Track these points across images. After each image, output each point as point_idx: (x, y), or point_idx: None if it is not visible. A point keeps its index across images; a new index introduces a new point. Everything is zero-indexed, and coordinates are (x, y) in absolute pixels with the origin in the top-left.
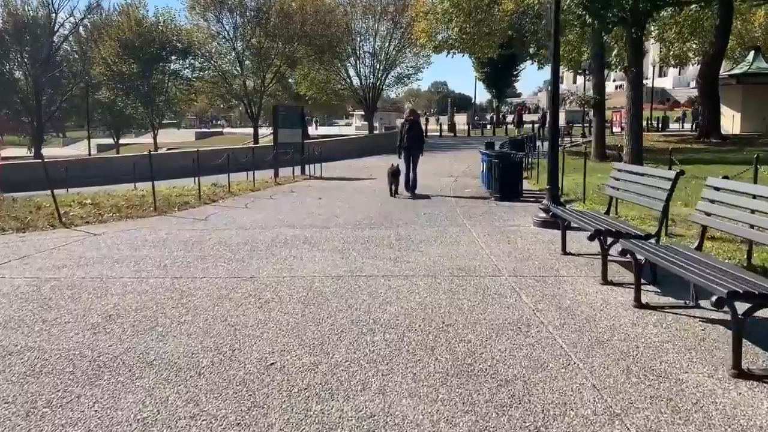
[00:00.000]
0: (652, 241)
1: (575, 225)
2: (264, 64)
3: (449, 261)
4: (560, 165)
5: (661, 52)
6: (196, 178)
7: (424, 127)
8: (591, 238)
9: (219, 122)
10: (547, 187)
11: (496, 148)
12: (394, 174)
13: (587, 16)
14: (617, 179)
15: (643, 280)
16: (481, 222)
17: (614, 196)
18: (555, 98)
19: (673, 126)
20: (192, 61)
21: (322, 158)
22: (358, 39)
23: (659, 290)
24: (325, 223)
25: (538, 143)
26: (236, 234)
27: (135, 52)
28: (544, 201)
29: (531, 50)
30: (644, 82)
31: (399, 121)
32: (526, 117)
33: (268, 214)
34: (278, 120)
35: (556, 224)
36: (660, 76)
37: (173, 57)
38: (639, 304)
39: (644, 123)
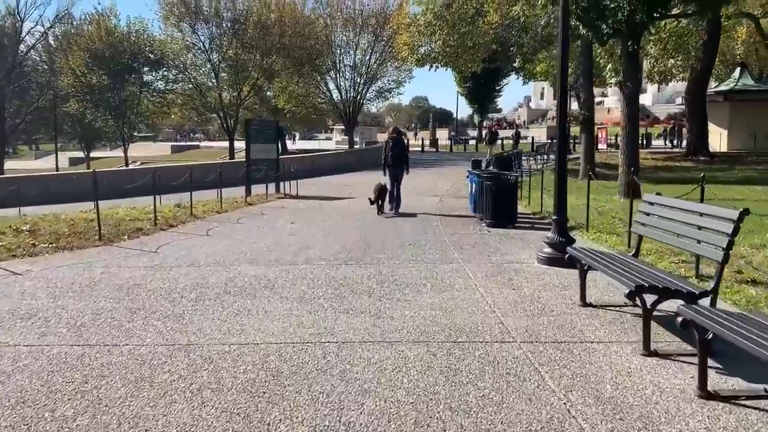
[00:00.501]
0: (707, 300)
1: (597, 270)
2: (240, 76)
3: (444, 316)
4: (544, 184)
5: (644, 68)
6: (160, 198)
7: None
8: (630, 297)
9: (197, 135)
10: (554, 217)
11: (483, 166)
12: (380, 191)
13: (581, 28)
14: (648, 214)
15: (688, 346)
16: (475, 256)
17: (643, 235)
18: (563, 113)
19: (656, 143)
20: (165, 72)
21: (299, 175)
22: (339, 52)
23: (720, 365)
24: (294, 256)
25: (524, 160)
26: (185, 274)
27: (105, 63)
28: (550, 234)
29: (516, 64)
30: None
31: (381, 136)
32: (503, 133)
33: (230, 245)
34: (251, 135)
35: (566, 262)
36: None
37: (146, 68)
38: (705, 393)
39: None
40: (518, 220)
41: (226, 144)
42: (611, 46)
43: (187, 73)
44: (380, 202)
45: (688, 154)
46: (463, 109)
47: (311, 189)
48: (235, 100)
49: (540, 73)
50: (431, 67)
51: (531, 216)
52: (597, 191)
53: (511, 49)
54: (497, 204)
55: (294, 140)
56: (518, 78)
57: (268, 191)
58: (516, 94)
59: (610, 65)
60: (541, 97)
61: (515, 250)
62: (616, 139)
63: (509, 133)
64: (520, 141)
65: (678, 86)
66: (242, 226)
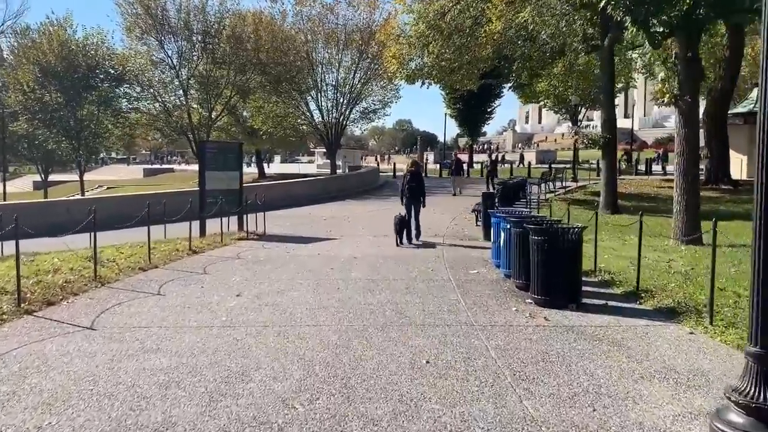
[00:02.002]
0: None
1: None
2: (212, 94)
3: None
4: (551, 214)
5: (653, 88)
6: (94, 237)
7: (392, 167)
8: None
9: (174, 158)
10: (753, 349)
11: (484, 196)
12: (401, 223)
13: (630, 25)
14: None
15: None
16: (566, 407)
17: None
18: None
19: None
20: (127, 89)
21: (272, 205)
22: (320, 70)
23: None
24: (201, 414)
25: (535, 188)
26: None
27: (58, 78)
28: (741, 386)
29: (512, 83)
30: (577, 127)
31: (366, 160)
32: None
33: (103, 368)
34: (205, 159)
35: None
36: (624, 117)
37: (105, 85)
38: None
39: (622, 165)
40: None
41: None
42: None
43: (152, 90)
44: (400, 235)
45: (708, 182)
46: (449, 132)
47: (283, 225)
48: (206, 120)
49: (541, 92)
50: (423, 83)
51: (586, 280)
52: (633, 231)
53: (516, 63)
54: (552, 271)
55: (269, 164)
56: (519, 96)
57: (228, 229)
58: (500, 118)
59: (662, 74)
60: (526, 121)
61: (626, 380)
62: (619, 164)
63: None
64: (499, 167)
65: (665, 110)
66: (159, 306)
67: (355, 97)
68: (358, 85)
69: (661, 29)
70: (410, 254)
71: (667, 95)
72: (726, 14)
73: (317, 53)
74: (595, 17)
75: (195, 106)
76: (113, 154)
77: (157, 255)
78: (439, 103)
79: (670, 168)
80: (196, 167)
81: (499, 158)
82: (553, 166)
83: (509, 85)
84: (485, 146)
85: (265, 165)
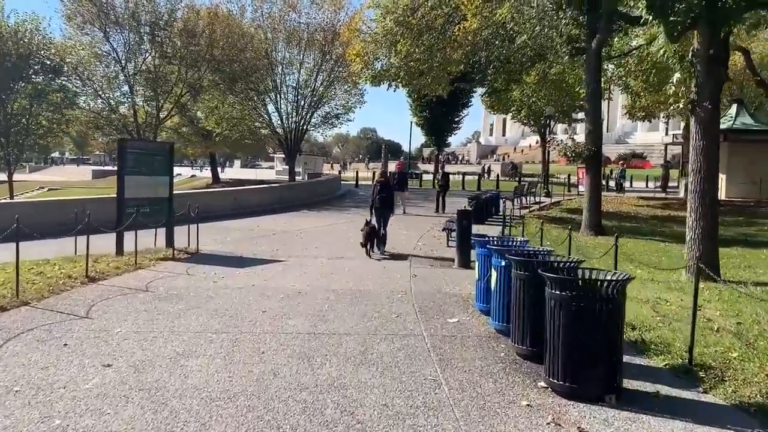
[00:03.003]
0: None
1: None
2: (160, 90)
3: None
4: (523, 233)
5: (622, 102)
6: None
7: (354, 175)
8: None
9: None
10: None
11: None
12: (370, 233)
13: (645, 13)
14: None
15: None
16: None
17: None
18: None
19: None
20: (64, 82)
21: (216, 215)
22: (280, 70)
23: None
24: None
25: (507, 203)
26: None
27: None
28: None
29: (495, 85)
30: (550, 139)
31: (327, 168)
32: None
33: None
34: (126, 162)
35: None
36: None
37: (39, 78)
38: None
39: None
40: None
41: None
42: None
43: (92, 84)
44: (369, 245)
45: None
46: (415, 142)
47: (224, 241)
48: (152, 120)
49: (514, 101)
50: (390, 85)
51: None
52: (629, 260)
53: (492, 65)
54: (582, 344)
55: (223, 169)
56: (492, 104)
57: (155, 245)
58: (465, 129)
59: (677, 75)
60: (491, 133)
61: None
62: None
63: (467, 168)
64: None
65: (627, 125)
66: None
67: (317, 101)
68: (321, 88)
69: (682, 19)
70: (370, 287)
71: (683, 100)
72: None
73: (277, 52)
74: (582, 17)
75: (141, 103)
76: (66, 154)
77: (39, 284)
78: (405, 112)
79: (627, 185)
80: None
81: (486, 169)
82: (524, 180)
83: (483, 90)
84: (448, 157)
85: (223, 170)
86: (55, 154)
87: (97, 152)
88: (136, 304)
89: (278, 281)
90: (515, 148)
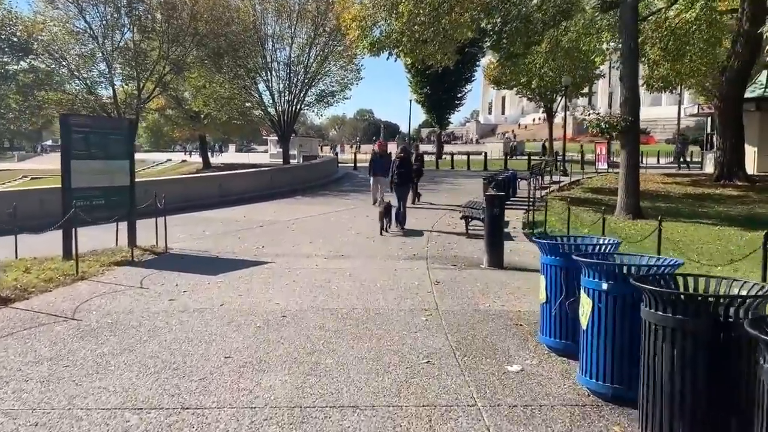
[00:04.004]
0: None
1: None
2: (141, 69)
3: None
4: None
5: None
6: None
7: (353, 157)
8: None
9: None
10: None
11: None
12: (387, 209)
13: None
14: None
15: None
16: None
17: None
18: None
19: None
20: (34, 62)
21: (200, 204)
22: (270, 45)
23: None
24: None
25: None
26: None
27: None
28: None
29: (512, 50)
30: (567, 113)
31: (325, 150)
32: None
33: None
34: (71, 143)
35: None
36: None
37: (6, 57)
38: None
39: (612, 157)
40: None
41: (140, 156)
42: None
43: (67, 64)
44: (385, 221)
45: (720, 178)
46: (414, 122)
47: (202, 236)
48: (131, 101)
49: (530, 69)
50: (390, 54)
51: None
52: (691, 251)
53: (509, 25)
54: None
55: (213, 153)
56: (503, 70)
57: (117, 243)
58: (464, 107)
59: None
60: (489, 112)
61: None
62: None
63: (456, 149)
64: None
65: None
66: None
67: (311, 78)
68: (314, 65)
69: None
70: (381, 302)
71: None
72: None
73: (266, 26)
74: None
75: (120, 83)
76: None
77: None
78: (402, 92)
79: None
80: (142, 156)
81: (513, 146)
82: (542, 157)
83: (497, 56)
84: (448, 137)
85: (218, 154)
86: (48, 142)
87: None
88: (40, 347)
89: (257, 296)
90: (519, 124)
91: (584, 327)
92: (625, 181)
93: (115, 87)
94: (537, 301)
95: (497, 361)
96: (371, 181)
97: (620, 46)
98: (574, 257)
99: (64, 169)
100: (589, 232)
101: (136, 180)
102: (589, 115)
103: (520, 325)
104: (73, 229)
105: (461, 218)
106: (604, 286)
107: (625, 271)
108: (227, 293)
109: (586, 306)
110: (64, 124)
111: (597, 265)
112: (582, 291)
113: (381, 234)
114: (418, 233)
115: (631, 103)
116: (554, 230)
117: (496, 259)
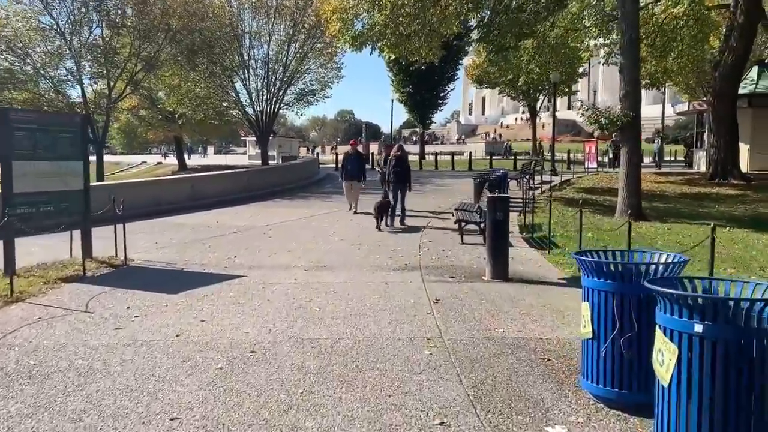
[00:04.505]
0: None
1: None
2: (111, 66)
3: None
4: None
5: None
6: None
7: (334, 158)
8: None
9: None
10: None
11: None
12: (382, 207)
13: None
14: None
15: None
16: None
17: None
18: None
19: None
20: None
21: (170, 209)
22: (247, 42)
23: None
24: None
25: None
26: None
27: None
28: None
29: (503, 42)
30: (553, 112)
31: (302, 151)
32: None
33: None
34: (12, 141)
35: None
36: (568, 108)
37: None
38: None
39: (603, 156)
40: None
41: (114, 159)
42: None
43: (32, 62)
44: (380, 218)
45: (714, 176)
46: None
47: (168, 243)
48: (100, 100)
49: (519, 64)
50: (373, 49)
51: None
52: (718, 259)
53: (501, 16)
54: None
55: (191, 155)
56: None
57: (71, 254)
58: (447, 107)
59: None
60: (470, 112)
61: None
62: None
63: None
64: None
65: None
66: None
67: (290, 77)
68: (293, 63)
69: None
70: (373, 328)
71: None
72: None
73: (243, 22)
74: None
75: (88, 82)
76: None
77: None
78: (383, 93)
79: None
80: (117, 158)
81: (508, 146)
82: (532, 157)
83: (487, 50)
84: (430, 137)
85: (202, 156)
86: None
87: None
88: None
89: (222, 323)
90: (501, 124)
91: (665, 383)
92: (626, 180)
93: (84, 86)
94: (559, 323)
95: (532, 419)
96: (343, 186)
97: (612, 39)
98: (646, 284)
99: (5, 172)
100: (609, 240)
101: (101, 183)
102: (587, 110)
103: (548, 360)
104: (10, 242)
105: (455, 222)
106: (698, 328)
107: (731, 305)
108: (187, 319)
109: (667, 354)
110: (4, 119)
111: (685, 298)
112: (659, 331)
113: (379, 229)
114: (408, 239)
115: (632, 98)
116: (555, 235)
117: (501, 270)
